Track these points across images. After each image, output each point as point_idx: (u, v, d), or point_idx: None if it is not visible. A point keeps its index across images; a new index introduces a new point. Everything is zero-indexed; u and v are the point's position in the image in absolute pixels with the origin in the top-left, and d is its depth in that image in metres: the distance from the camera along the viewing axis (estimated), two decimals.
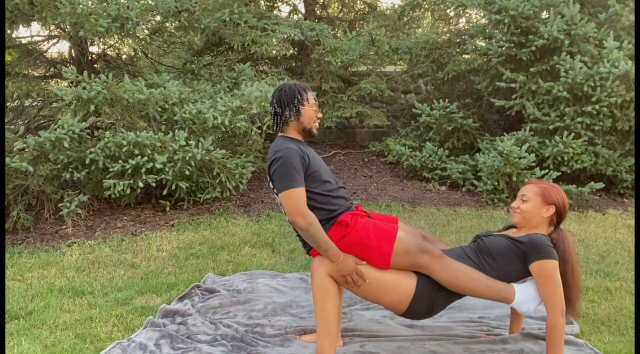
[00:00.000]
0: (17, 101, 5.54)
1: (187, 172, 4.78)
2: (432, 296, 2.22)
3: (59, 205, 4.65)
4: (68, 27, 5.12)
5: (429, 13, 8.68)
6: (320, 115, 2.46)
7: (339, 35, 8.87)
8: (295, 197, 2.20)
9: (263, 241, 4.27)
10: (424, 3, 7.22)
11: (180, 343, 2.55)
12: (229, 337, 2.59)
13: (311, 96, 2.43)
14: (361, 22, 8.72)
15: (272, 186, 2.35)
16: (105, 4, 4.83)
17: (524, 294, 2.22)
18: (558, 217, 2.34)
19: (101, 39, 5.40)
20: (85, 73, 4.68)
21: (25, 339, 2.65)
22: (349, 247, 2.22)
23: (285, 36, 6.86)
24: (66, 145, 4.38)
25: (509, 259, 2.24)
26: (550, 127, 5.49)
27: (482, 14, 6.78)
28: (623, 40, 5.41)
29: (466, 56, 7.06)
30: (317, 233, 2.18)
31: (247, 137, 5.52)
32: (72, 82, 4.85)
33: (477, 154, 5.87)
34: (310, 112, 2.40)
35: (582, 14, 5.50)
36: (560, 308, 2.16)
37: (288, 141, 2.35)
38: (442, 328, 2.69)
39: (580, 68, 5.20)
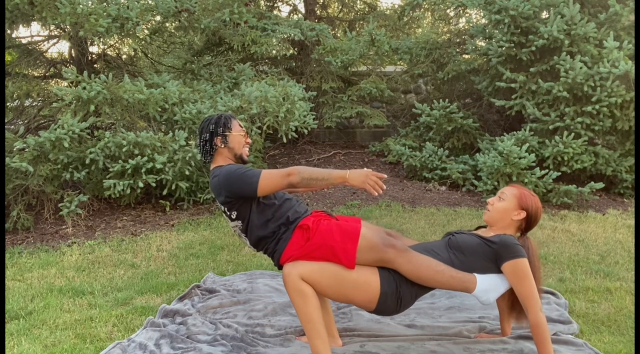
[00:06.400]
0: (17, 101, 5.54)
1: (187, 172, 4.78)
2: (398, 292, 2.24)
3: (59, 205, 4.65)
4: (68, 27, 5.11)
5: (429, 13, 8.68)
6: (249, 141, 2.52)
7: (339, 35, 8.87)
8: (269, 174, 2.25)
9: None
10: (424, 3, 7.22)
11: (180, 343, 2.55)
12: (229, 337, 2.59)
13: (237, 123, 2.49)
14: (361, 22, 8.72)
15: (226, 212, 2.37)
16: (105, 4, 4.83)
17: (484, 283, 2.26)
18: (527, 224, 2.40)
19: (101, 39, 5.40)
20: (85, 73, 4.68)
21: (25, 339, 2.65)
22: (314, 250, 2.22)
23: (285, 36, 6.86)
24: (66, 145, 4.38)
25: (478, 256, 2.29)
26: (550, 127, 5.49)
27: (482, 14, 6.77)
28: (623, 40, 5.40)
29: (466, 56, 7.05)
30: (312, 175, 2.20)
31: None
32: (72, 82, 4.85)
33: (477, 154, 5.87)
34: (239, 138, 2.46)
35: (582, 14, 5.50)
36: (538, 304, 2.21)
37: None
38: (442, 328, 2.69)
39: (580, 68, 5.19)
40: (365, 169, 2.23)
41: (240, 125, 2.50)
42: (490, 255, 2.28)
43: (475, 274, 2.27)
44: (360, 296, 2.23)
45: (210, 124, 2.45)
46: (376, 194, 2.20)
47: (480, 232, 2.44)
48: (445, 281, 2.23)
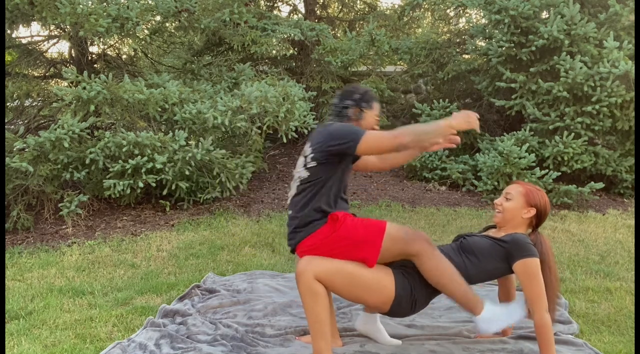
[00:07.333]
0: (17, 101, 5.53)
1: (187, 172, 4.78)
2: (412, 295, 2.24)
3: (59, 205, 4.64)
4: (68, 27, 5.11)
5: (429, 13, 8.69)
6: (378, 127, 2.51)
7: (339, 35, 8.87)
8: (377, 132, 2.25)
9: (263, 241, 4.27)
10: (424, 3, 7.22)
11: (180, 343, 2.55)
12: (229, 337, 2.59)
13: (377, 106, 2.51)
14: (361, 22, 8.73)
15: (306, 157, 2.36)
16: (105, 4, 4.82)
17: (490, 312, 2.24)
18: (537, 220, 2.39)
19: (101, 39, 5.39)
20: (85, 73, 4.67)
21: (25, 339, 2.65)
22: (337, 241, 2.22)
23: (285, 36, 6.86)
24: (66, 145, 4.38)
25: (491, 258, 2.28)
26: (550, 127, 5.49)
27: (482, 14, 6.78)
28: (623, 40, 5.40)
29: (466, 56, 7.06)
30: (423, 131, 2.21)
31: (247, 137, 5.52)
32: (72, 82, 4.85)
33: (477, 154, 5.87)
34: (372, 119, 2.47)
35: (582, 14, 5.50)
36: (545, 305, 2.21)
37: None
38: (441, 328, 2.69)
39: (580, 68, 5.19)
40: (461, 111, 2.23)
41: (379, 108, 2.52)
42: (502, 255, 2.26)
43: (486, 303, 2.25)
44: (374, 297, 2.23)
45: (357, 93, 2.47)
46: (479, 130, 2.25)
47: (491, 233, 2.43)
48: (457, 293, 2.22)
